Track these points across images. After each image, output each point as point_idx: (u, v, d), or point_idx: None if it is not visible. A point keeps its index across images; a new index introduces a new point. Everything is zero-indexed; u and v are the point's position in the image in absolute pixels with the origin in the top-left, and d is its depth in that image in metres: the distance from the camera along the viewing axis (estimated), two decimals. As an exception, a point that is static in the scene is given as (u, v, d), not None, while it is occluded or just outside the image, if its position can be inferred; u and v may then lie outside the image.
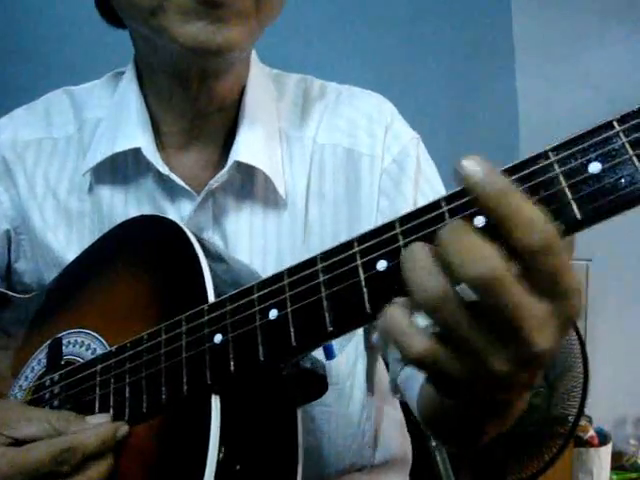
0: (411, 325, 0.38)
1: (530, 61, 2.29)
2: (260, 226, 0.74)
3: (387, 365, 0.85)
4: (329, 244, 0.73)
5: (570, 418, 1.70)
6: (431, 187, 0.78)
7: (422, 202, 0.74)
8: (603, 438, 2.09)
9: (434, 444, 1.52)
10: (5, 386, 0.68)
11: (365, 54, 2.28)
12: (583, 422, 1.95)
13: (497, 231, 0.36)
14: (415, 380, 0.71)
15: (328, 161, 0.76)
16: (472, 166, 0.36)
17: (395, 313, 0.39)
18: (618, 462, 2.21)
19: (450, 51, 2.30)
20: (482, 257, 0.35)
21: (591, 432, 2.06)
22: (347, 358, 0.77)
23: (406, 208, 0.73)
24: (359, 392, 0.79)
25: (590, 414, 2.04)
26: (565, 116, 2.23)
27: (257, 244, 0.74)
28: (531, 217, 0.35)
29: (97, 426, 0.54)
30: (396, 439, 0.87)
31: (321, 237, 0.75)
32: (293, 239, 0.74)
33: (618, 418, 2.31)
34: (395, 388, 0.78)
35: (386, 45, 2.29)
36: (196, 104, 0.71)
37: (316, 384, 0.55)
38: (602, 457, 2.06)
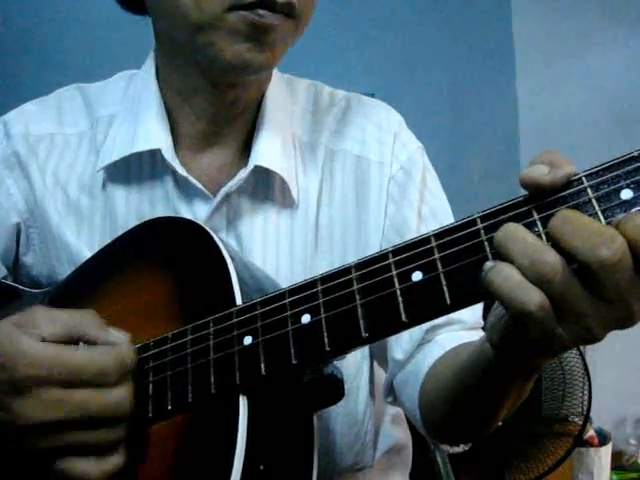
0: (525, 280, 0.40)
1: (530, 61, 2.29)
2: (274, 229, 0.74)
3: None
4: (338, 248, 0.76)
5: (570, 418, 1.70)
6: (434, 197, 0.80)
7: (425, 211, 0.78)
8: (603, 438, 2.09)
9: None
10: None
11: (365, 55, 2.29)
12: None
13: None
14: (415, 379, 0.72)
15: (338, 167, 0.78)
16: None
17: (507, 268, 0.40)
18: (618, 462, 2.22)
19: (450, 51, 2.30)
20: (610, 238, 0.38)
21: (591, 432, 2.07)
22: (355, 359, 0.78)
23: (412, 214, 0.76)
24: (363, 392, 0.80)
25: (590, 414, 2.04)
26: (565, 116, 2.23)
27: (270, 247, 0.74)
28: None
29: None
30: (396, 437, 0.87)
31: (331, 241, 0.76)
32: (305, 243, 0.75)
33: (618, 418, 2.32)
34: (389, 390, 0.79)
35: (386, 45, 2.29)
36: (218, 108, 0.72)
37: (334, 389, 0.55)
38: (602, 457, 2.06)
